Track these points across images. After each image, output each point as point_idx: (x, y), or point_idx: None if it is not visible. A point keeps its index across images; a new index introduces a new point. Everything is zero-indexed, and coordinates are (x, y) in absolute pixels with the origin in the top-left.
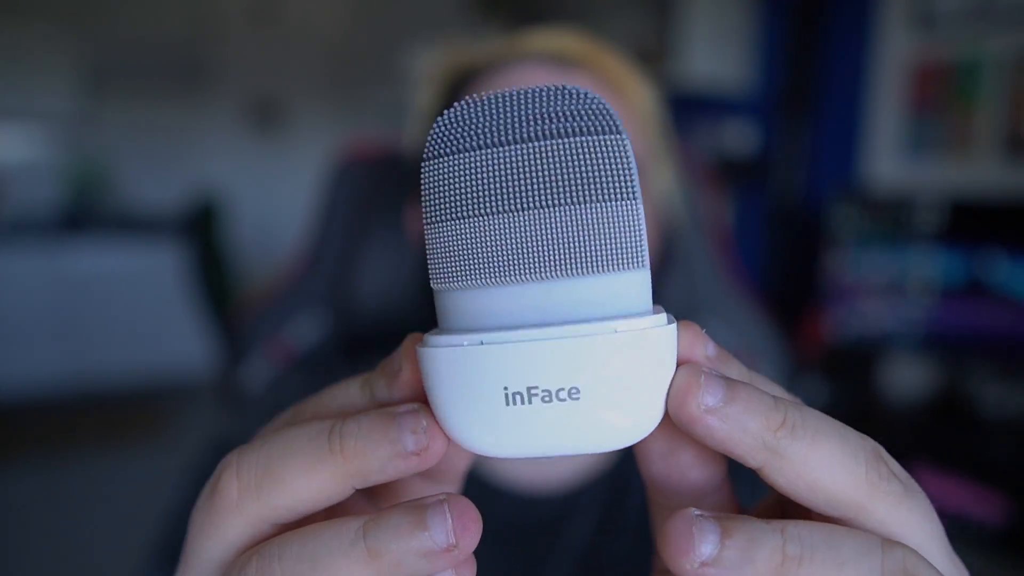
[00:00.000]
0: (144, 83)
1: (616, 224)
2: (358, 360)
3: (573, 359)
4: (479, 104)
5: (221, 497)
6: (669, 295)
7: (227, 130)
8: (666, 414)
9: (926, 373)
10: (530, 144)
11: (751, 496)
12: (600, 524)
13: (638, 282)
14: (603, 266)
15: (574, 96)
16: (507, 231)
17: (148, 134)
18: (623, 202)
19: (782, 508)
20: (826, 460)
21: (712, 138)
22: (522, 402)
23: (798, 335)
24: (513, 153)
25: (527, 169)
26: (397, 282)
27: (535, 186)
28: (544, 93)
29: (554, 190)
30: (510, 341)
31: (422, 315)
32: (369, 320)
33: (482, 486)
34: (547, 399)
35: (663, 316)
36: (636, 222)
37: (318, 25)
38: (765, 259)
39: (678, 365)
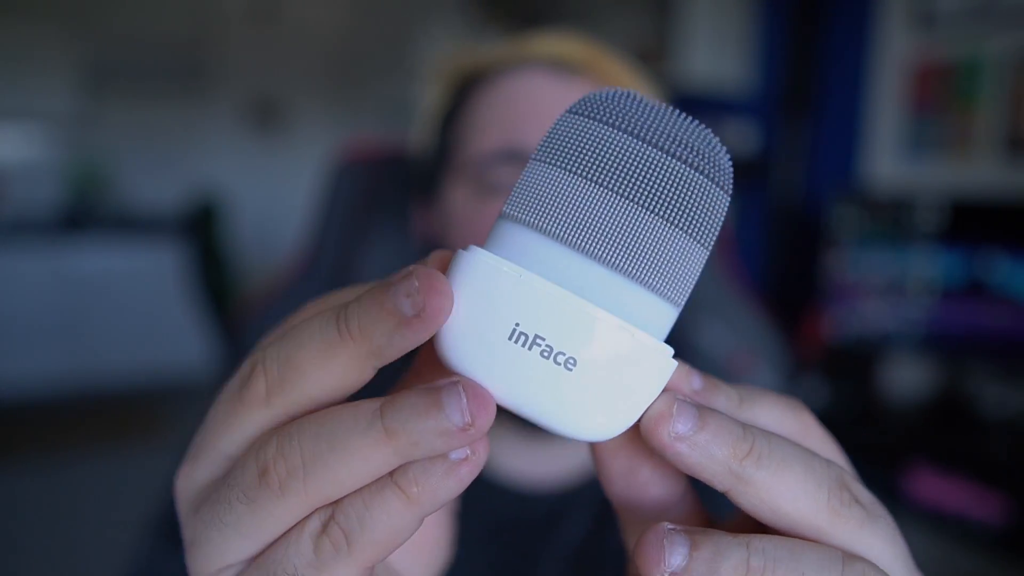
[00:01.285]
0: (144, 83)
1: (685, 258)
2: None
3: (588, 333)
4: (634, 98)
5: (250, 392)
6: None
7: (227, 130)
8: (628, 435)
9: (926, 373)
10: (658, 152)
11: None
12: (595, 521)
13: (668, 315)
14: (655, 283)
15: (710, 141)
16: (598, 203)
17: (148, 134)
18: (699, 246)
19: (755, 520)
20: (789, 487)
21: None
22: (524, 344)
23: (798, 335)
24: (647, 152)
25: (644, 168)
26: None
27: (641, 184)
28: (696, 127)
29: (654, 197)
30: (545, 289)
31: None
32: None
33: (479, 482)
34: (546, 354)
35: (672, 350)
36: (696, 267)
37: (318, 25)
38: (765, 259)
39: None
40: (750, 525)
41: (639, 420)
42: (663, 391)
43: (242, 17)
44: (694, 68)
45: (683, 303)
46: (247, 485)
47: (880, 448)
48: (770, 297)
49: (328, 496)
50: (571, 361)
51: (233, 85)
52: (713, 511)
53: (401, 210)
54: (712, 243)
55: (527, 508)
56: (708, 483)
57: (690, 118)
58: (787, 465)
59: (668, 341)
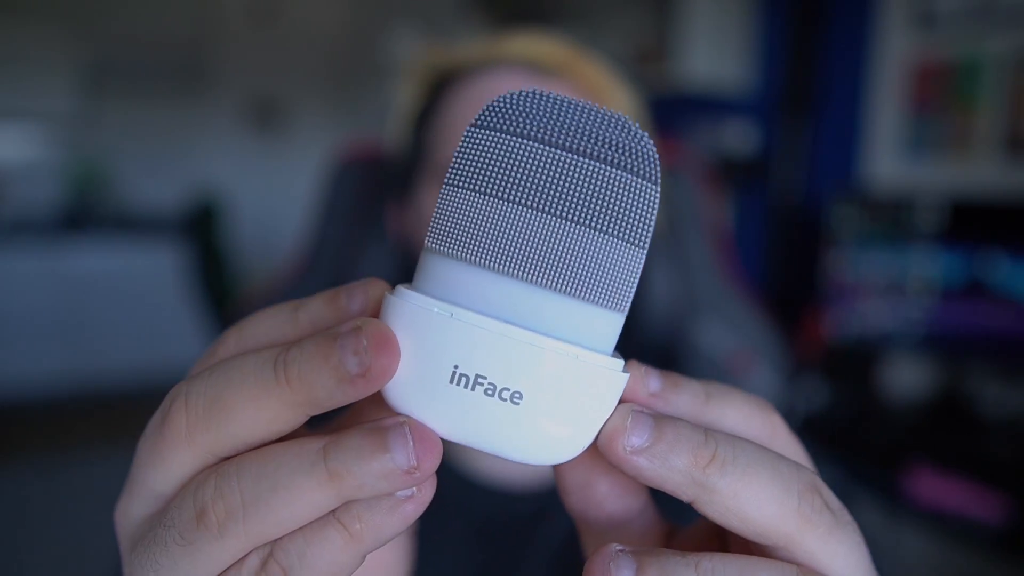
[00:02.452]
0: (144, 83)
1: (617, 263)
2: None
3: (529, 365)
4: (543, 98)
5: (170, 428)
6: (669, 295)
7: (227, 130)
8: (586, 449)
9: (926, 373)
10: (574, 156)
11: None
12: None
13: (612, 324)
14: (590, 295)
15: (631, 132)
16: (519, 223)
17: (148, 134)
18: (632, 247)
19: (719, 530)
20: (756, 494)
21: (712, 138)
22: (466, 386)
23: (798, 335)
24: (556, 157)
25: (561, 177)
26: (395, 282)
27: (561, 195)
28: (606, 116)
29: (577, 206)
30: (479, 326)
31: None
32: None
33: (461, 480)
34: (490, 392)
35: (621, 363)
36: (634, 270)
37: (318, 25)
38: (765, 259)
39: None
40: (716, 533)
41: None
42: (619, 403)
43: (242, 17)
44: (694, 68)
45: (627, 307)
46: (184, 527)
47: (880, 448)
48: (770, 297)
49: (268, 536)
50: (516, 395)
51: (233, 85)
52: (677, 519)
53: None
54: (647, 239)
55: (511, 507)
56: (672, 494)
57: (603, 109)
58: (753, 471)
59: (665, 343)
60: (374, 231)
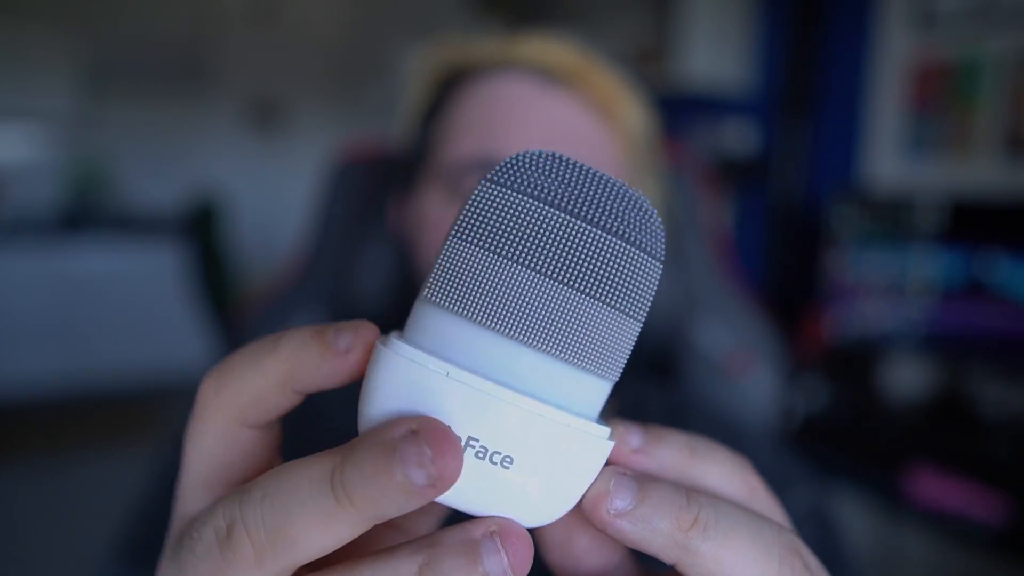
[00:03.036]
0: (144, 83)
1: (614, 333)
2: None
3: (520, 432)
4: (560, 162)
5: (237, 556)
6: (667, 295)
7: (227, 130)
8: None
9: (926, 373)
10: (584, 225)
11: None
12: None
13: (602, 391)
14: (585, 362)
15: (641, 207)
16: (523, 285)
17: (148, 134)
18: (629, 319)
19: None
20: (738, 558)
21: (712, 138)
22: None
23: (798, 335)
24: (571, 225)
25: (574, 245)
26: (396, 283)
27: (571, 263)
28: (619, 189)
29: (584, 276)
30: (475, 387)
31: (394, 311)
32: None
33: None
34: (481, 455)
35: (607, 431)
36: (629, 341)
37: (318, 25)
38: (765, 259)
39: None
40: None
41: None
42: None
43: (242, 17)
44: (694, 68)
45: (617, 376)
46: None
47: (880, 448)
48: (770, 297)
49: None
50: (507, 460)
51: (233, 85)
52: (655, 568)
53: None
54: (643, 314)
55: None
56: (655, 556)
57: (618, 182)
58: (735, 534)
59: (663, 343)
60: (374, 232)
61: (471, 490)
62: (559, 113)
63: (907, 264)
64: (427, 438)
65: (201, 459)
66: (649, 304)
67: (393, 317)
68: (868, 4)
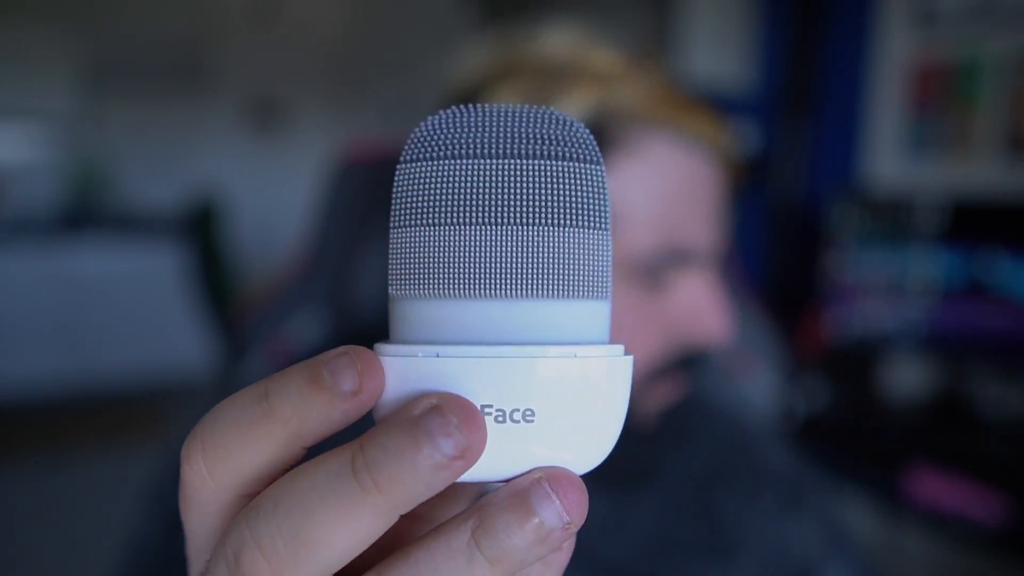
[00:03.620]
0: (144, 83)
1: (585, 252)
2: None
3: (531, 380)
4: (464, 114)
5: None
6: None
7: (227, 130)
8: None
9: (926, 373)
10: (511, 161)
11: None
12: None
13: (599, 312)
14: (568, 292)
15: (559, 122)
16: (476, 243)
17: (148, 134)
18: (594, 231)
19: None
20: None
21: None
22: None
23: (798, 335)
24: (493, 167)
25: (505, 185)
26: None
27: (510, 202)
28: (531, 113)
29: (529, 209)
30: (468, 356)
31: None
32: (369, 321)
33: None
34: (500, 419)
35: (620, 347)
36: (604, 253)
37: (318, 25)
38: (765, 259)
39: None
40: None
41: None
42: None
43: (242, 17)
44: (694, 67)
45: (608, 292)
46: None
47: (880, 448)
48: (770, 297)
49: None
50: (528, 413)
51: (233, 85)
52: None
53: None
54: (606, 220)
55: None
56: None
57: (524, 107)
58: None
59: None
60: (376, 233)
61: (501, 457)
62: (719, 189)
63: (907, 264)
64: (450, 409)
65: (204, 530)
66: (605, 209)
67: None
68: (868, 4)
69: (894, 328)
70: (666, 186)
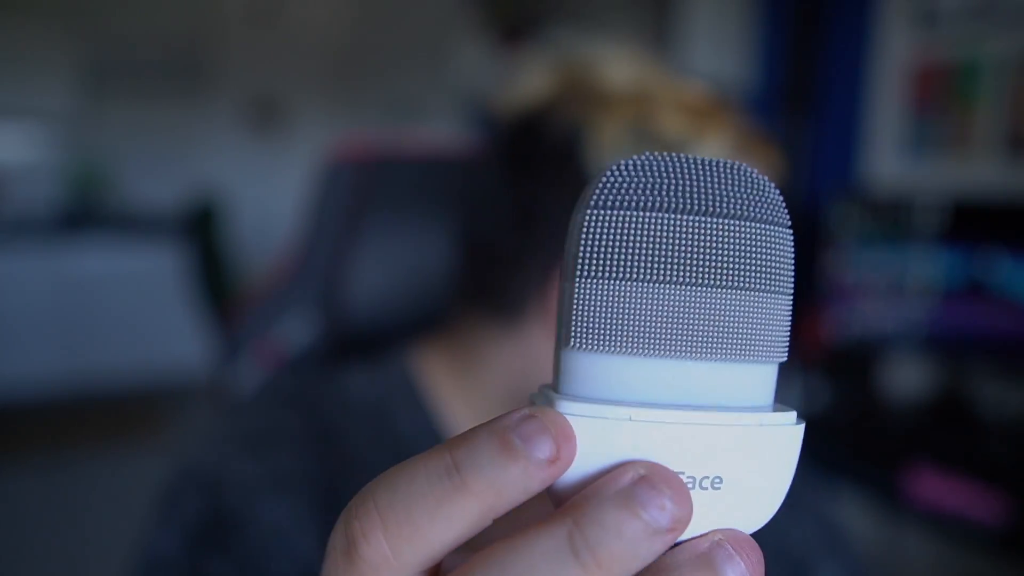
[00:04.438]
0: (144, 83)
1: (769, 315)
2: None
3: (722, 448)
4: (658, 162)
5: (366, 562)
6: None
7: (227, 130)
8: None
9: (926, 373)
10: (706, 219)
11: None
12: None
13: (772, 374)
14: (753, 354)
15: (752, 179)
16: (666, 301)
17: (148, 134)
18: (779, 295)
19: None
20: None
21: None
22: None
23: (798, 335)
24: (689, 223)
25: (704, 243)
26: (389, 284)
27: (707, 262)
28: (723, 168)
29: (720, 270)
30: (660, 421)
31: (416, 318)
32: (360, 322)
33: None
34: (690, 485)
35: (793, 413)
36: (785, 315)
37: (318, 25)
38: None
39: None
40: None
41: None
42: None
43: (242, 17)
44: (694, 67)
45: (785, 354)
46: None
47: (880, 448)
48: None
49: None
50: (717, 481)
51: (233, 85)
52: None
53: (395, 212)
54: (789, 285)
55: None
56: None
57: (717, 161)
58: None
59: None
60: (368, 232)
61: (694, 523)
62: None
63: (907, 264)
64: (660, 480)
65: None
66: (792, 272)
67: (390, 319)
68: (868, 4)
69: (894, 328)
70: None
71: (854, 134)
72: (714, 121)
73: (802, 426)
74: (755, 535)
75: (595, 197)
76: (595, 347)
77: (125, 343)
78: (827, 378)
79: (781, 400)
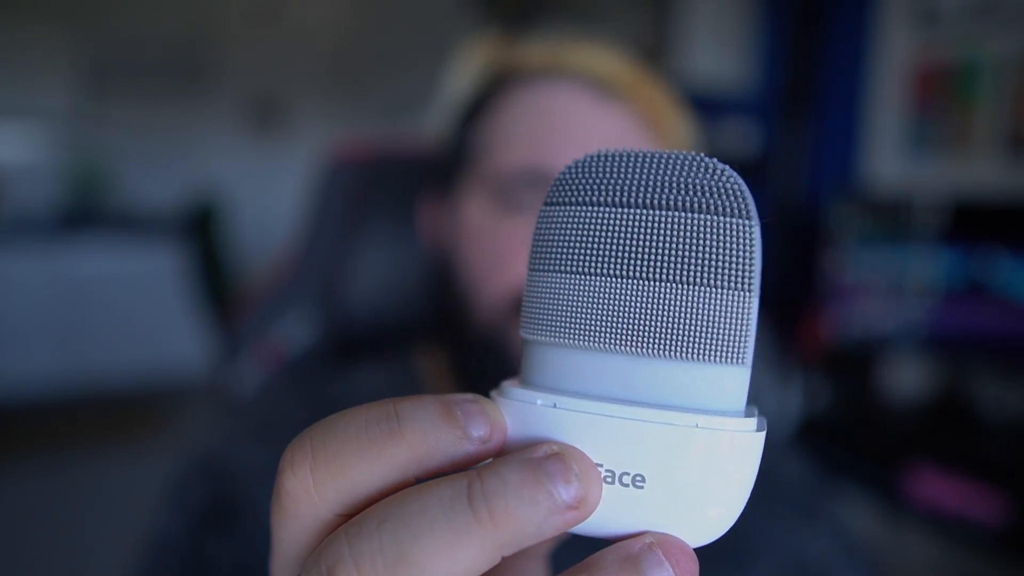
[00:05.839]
0: (144, 83)
1: (724, 314)
2: (348, 363)
3: (644, 445)
4: (611, 159)
5: None
6: None
7: (227, 130)
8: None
9: (926, 374)
10: (653, 212)
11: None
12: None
13: (734, 380)
14: (699, 354)
15: (711, 170)
16: (608, 295)
17: (148, 134)
18: (737, 292)
19: None
20: None
21: (712, 137)
22: None
23: (798, 335)
24: (634, 217)
25: (644, 237)
26: (389, 284)
27: (648, 256)
28: (682, 161)
29: (667, 265)
30: (583, 411)
31: (419, 318)
32: (360, 322)
33: None
34: (609, 480)
35: (753, 421)
36: (746, 316)
37: (318, 25)
38: (764, 259)
39: None
40: None
41: None
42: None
43: (242, 17)
44: (694, 66)
45: (749, 359)
46: None
47: (880, 448)
48: (770, 297)
49: None
50: (639, 478)
51: (233, 85)
52: None
53: (393, 212)
54: (750, 280)
55: None
56: None
57: (674, 154)
58: None
59: None
60: (368, 232)
61: (608, 516)
62: (611, 125)
63: (907, 264)
64: (571, 458)
65: (295, 542)
66: (756, 270)
67: (390, 319)
68: (868, 4)
69: (894, 328)
70: (536, 113)
71: (854, 134)
72: (624, 90)
73: (760, 435)
74: (769, 549)
75: (549, 195)
76: (541, 338)
77: (125, 343)
78: (827, 378)
79: (780, 401)
